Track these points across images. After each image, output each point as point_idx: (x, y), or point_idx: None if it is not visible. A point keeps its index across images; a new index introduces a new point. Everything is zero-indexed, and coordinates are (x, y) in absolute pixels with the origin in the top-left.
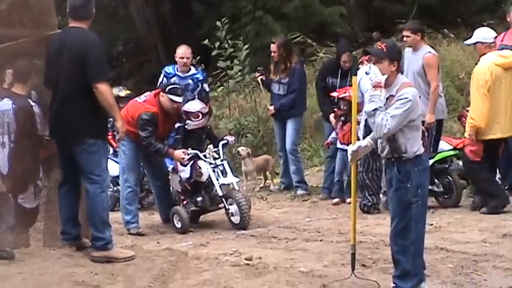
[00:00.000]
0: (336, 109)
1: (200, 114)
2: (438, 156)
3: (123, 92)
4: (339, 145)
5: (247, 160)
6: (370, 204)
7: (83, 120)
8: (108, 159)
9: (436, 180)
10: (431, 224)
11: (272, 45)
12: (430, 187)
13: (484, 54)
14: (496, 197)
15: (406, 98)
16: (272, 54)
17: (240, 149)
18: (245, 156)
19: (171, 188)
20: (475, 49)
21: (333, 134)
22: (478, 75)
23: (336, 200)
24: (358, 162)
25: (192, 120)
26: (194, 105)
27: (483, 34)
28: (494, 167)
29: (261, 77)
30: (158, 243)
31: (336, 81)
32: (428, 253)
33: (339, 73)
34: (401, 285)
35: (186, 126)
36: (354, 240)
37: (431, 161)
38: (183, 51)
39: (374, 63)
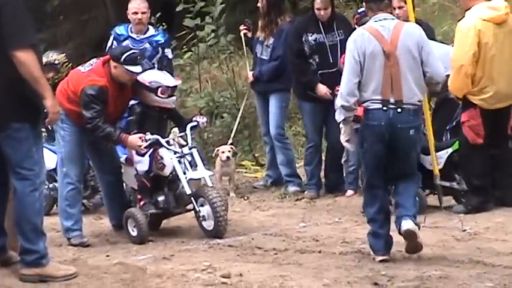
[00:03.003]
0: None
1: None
2: (458, 144)
3: (56, 56)
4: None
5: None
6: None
7: (5, 98)
8: (44, 149)
9: (456, 175)
10: (464, 230)
11: None
12: (448, 184)
13: (469, 9)
14: (478, 194)
15: (346, 47)
16: (258, 5)
17: (225, 153)
18: (230, 159)
19: (124, 184)
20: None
21: None
22: (461, 34)
23: (351, 192)
24: None
25: (161, 97)
26: (160, 77)
27: None
28: (500, 154)
29: (245, 31)
30: (108, 256)
31: (320, 36)
32: (461, 268)
33: (320, 27)
34: None
35: (154, 103)
36: (436, 170)
37: (449, 150)
38: (137, 5)
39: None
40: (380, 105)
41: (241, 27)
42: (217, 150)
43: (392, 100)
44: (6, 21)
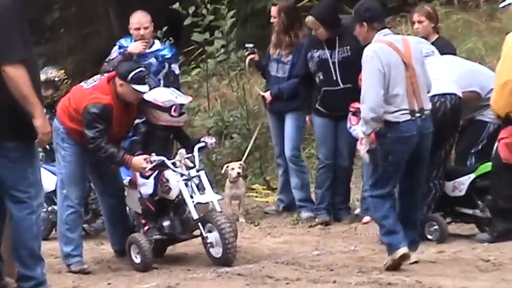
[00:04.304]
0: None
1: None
2: (482, 169)
3: (56, 73)
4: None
5: (240, 180)
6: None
7: None
8: (41, 169)
9: (479, 202)
10: (488, 261)
11: (272, 9)
12: (470, 211)
13: None
14: (505, 219)
15: (364, 61)
16: (272, 21)
17: (235, 169)
18: (240, 175)
19: (127, 208)
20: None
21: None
22: (508, 47)
23: (368, 218)
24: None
25: (174, 116)
26: (172, 95)
27: None
28: None
29: (251, 56)
30: (109, 284)
31: (324, 53)
32: None
33: (323, 43)
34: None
35: (167, 122)
36: None
37: (471, 175)
38: (137, 20)
39: None
40: (409, 116)
41: (245, 52)
42: (227, 167)
43: (417, 109)
44: None
